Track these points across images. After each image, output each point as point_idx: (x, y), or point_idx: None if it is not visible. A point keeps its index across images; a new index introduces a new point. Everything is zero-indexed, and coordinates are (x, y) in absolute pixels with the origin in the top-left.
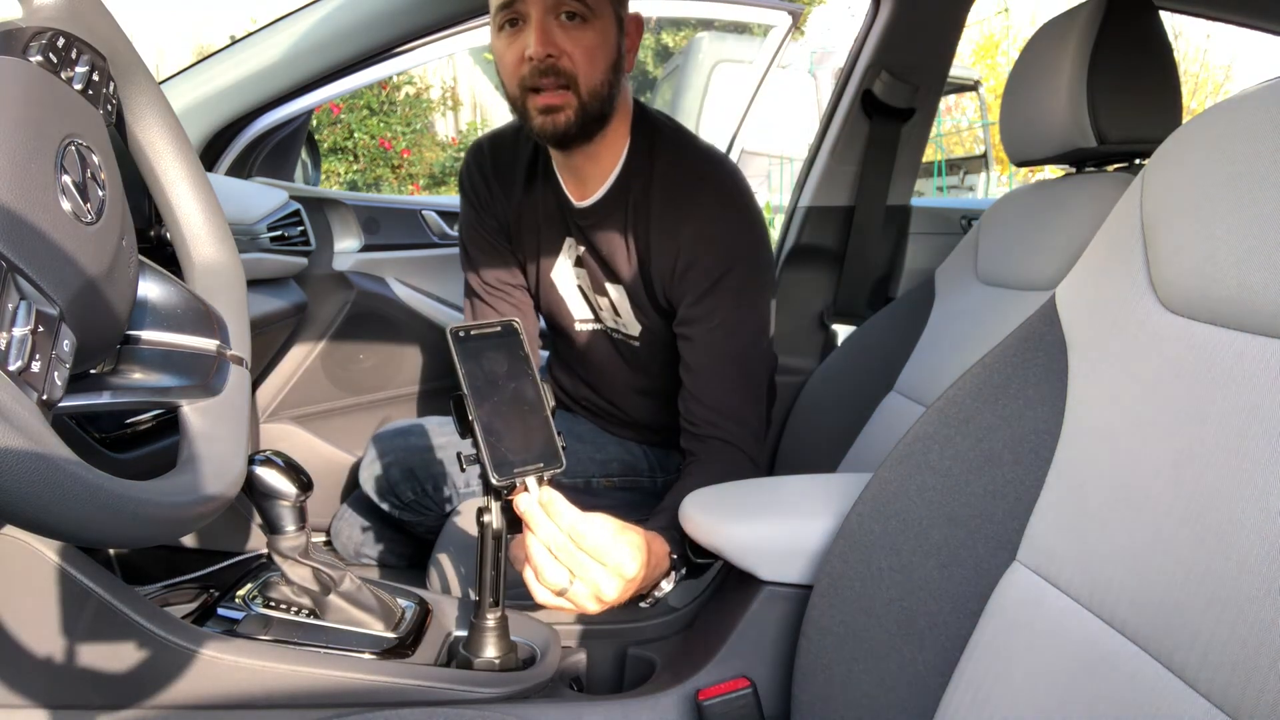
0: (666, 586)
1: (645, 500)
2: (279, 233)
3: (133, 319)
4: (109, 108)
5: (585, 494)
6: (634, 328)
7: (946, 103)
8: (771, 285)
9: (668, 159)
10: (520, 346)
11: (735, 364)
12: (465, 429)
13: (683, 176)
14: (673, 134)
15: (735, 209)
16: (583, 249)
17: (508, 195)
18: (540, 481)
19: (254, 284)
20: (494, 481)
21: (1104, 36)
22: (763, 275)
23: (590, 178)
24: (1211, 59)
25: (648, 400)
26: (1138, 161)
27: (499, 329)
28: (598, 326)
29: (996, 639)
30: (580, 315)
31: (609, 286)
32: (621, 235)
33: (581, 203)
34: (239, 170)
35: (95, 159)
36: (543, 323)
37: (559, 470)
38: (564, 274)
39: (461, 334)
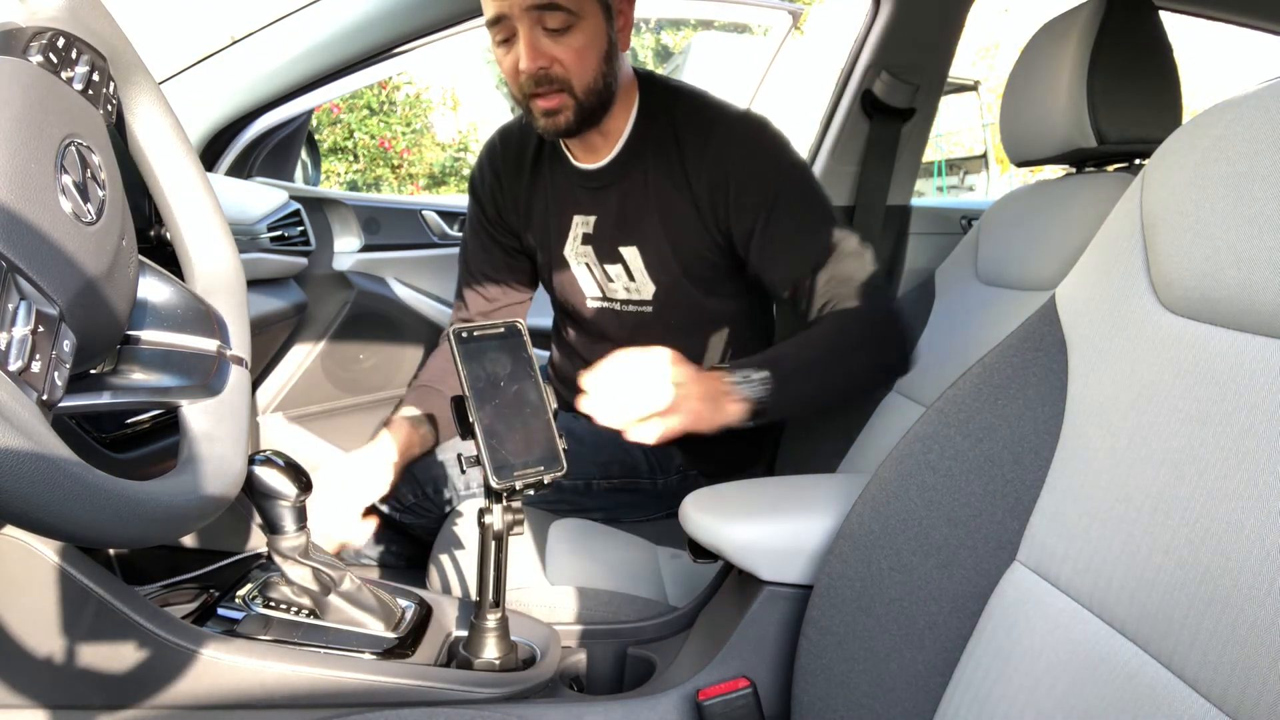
0: (745, 390)
1: (645, 501)
2: (279, 233)
3: (133, 319)
4: (109, 108)
5: (584, 495)
6: (647, 289)
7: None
8: (817, 181)
9: (687, 102)
10: (523, 348)
11: (836, 257)
12: (466, 431)
13: (709, 111)
14: (682, 85)
15: (769, 130)
16: (593, 219)
17: (517, 183)
18: (541, 485)
19: (254, 284)
20: (494, 485)
21: (1104, 36)
22: (809, 172)
23: (600, 145)
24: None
25: None
26: (1138, 161)
27: (502, 330)
28: (606, 304)
29: (996, 639)
30: (591, 293)
31: (623, 251)
32: (643, 187)
33: (593, 166)
34: (239, 170)
35: (95, 159)
36: (536, 319)
37: (560, 473)
38: (573, 252)
39: (464, 335)
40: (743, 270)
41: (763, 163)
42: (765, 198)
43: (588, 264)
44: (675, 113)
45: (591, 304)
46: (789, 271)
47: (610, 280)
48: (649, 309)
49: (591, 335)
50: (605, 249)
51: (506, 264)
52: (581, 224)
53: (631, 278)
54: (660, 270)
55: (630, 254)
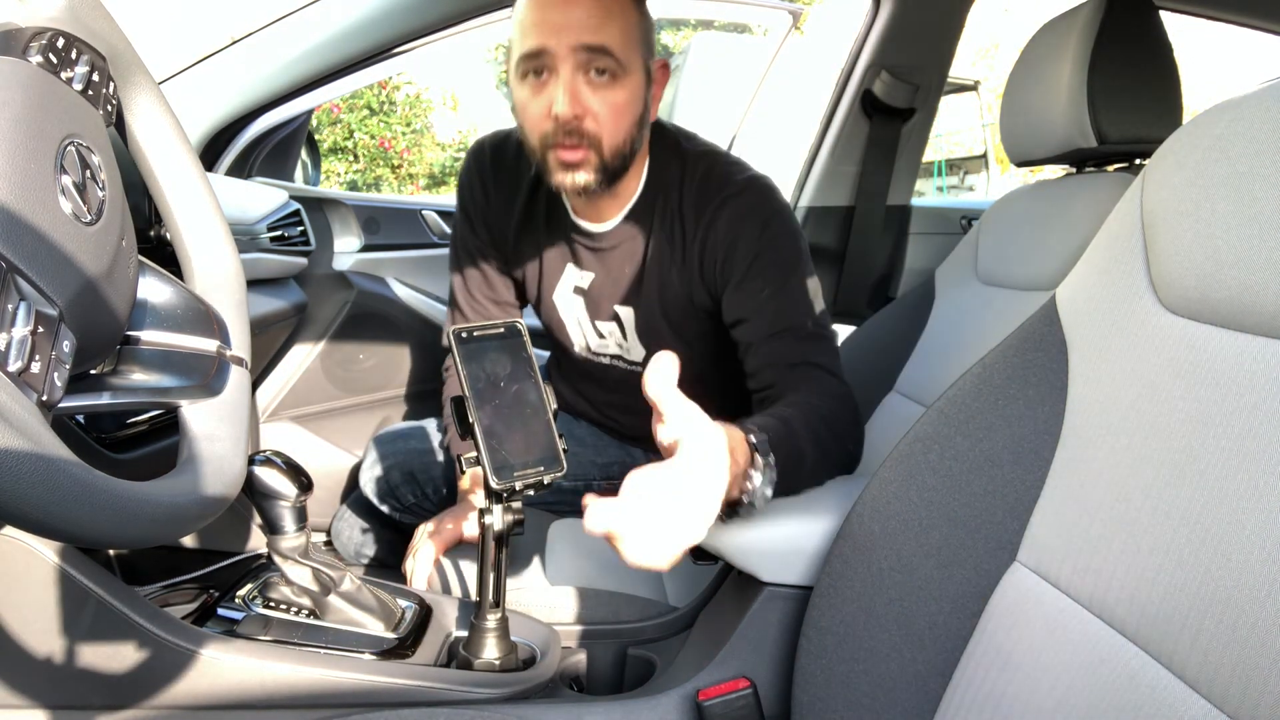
0: (756, 477)
1: None
2: (279, 233)
3: (133, 319)
4: (109, 108)
5: (585, 495)
6: (637, 351)
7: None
8: (810, 260)
9: (695, 170)
10: (523, 348)
11: (795, 333)
12: (466, 431)
13: (715, 181)
14: (688, 140)
15: (769, 200)
16: (589, 276)
17: (508, 207)
18: (541, 486)
19: (254, 284)
20: (494, 485)
21: (1104, 36)
22: (801, 244)
23: (607, 207)
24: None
25: (648, 418)
26: (1138, 161)
27: (502, 330)
28: (597, 354)
29: (996, 639)
30: (579, 343)
31: (619, 310)
32: (643, 253)
33: (597, 226)
34: (239, 170)
35: (95, 159)
36: (534, 319)
37: (560, 474)
38: (564, 300)
39: (464, 335)
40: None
41: (756, 226)
42: (747, 257)
43: (578, 318)
44: (683, 183)
45: (578, 351)
46: (745, 334)
47: (601, 337)
48: (638, 369)
49: (578, 372)
50: (600, 308)
51: (501, 281)
52: (576, 276)
53: (625, 337)
54: (651, 335)
55: (626, 314)
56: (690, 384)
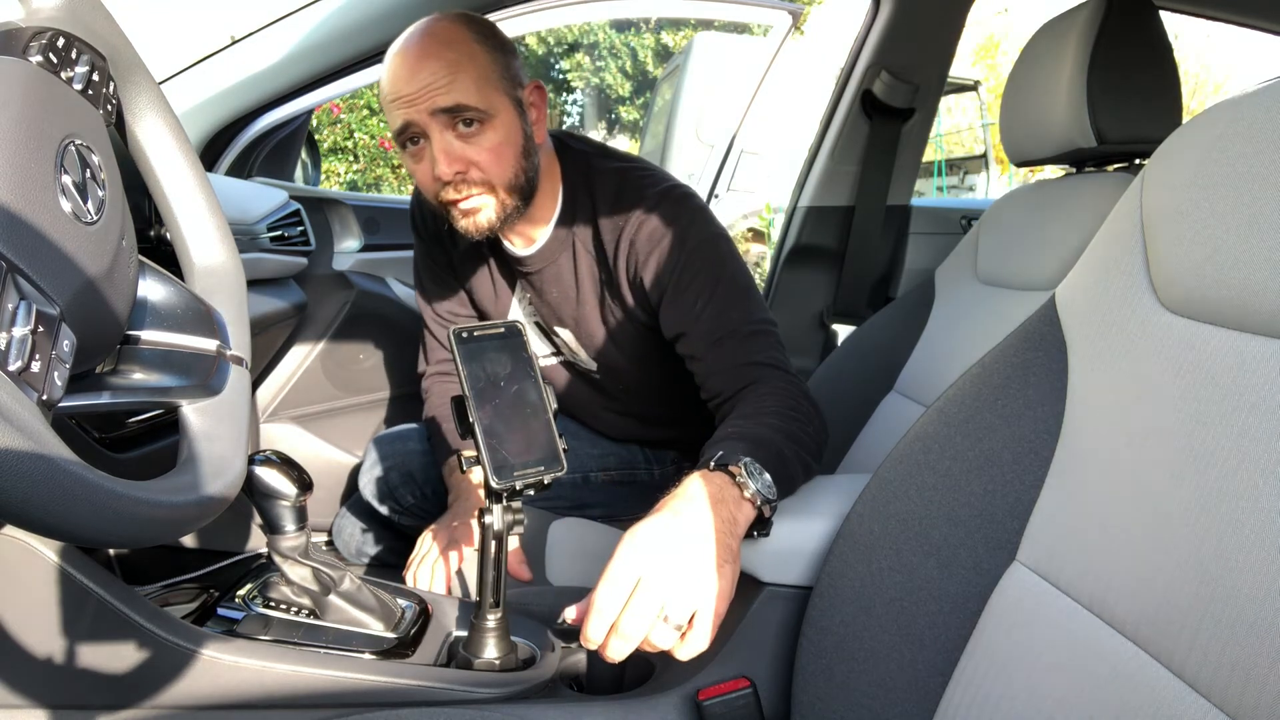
0: (750, 487)
1: (644, 494)
2: (279, 233)
3: (133, 319)
4: (109, 108)
5: (582, 489)
6: (589, 363)
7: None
8: (738, 256)
9: (605, 181)
10: (523, 348)
11: (735, 335)
12: (466, 431)
13: (626, 192)
14: (601, 157)
15: (684, 206)
16: (528, 296)
17: (457, 240)
18: (541, 486)
19: (254, 284)
20: (494, 485)
21: (1104, 36)
22: (723, 246)
23: (528, 231)
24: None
25: (621, 419)
26: (1138, 161)
27: (502, 330)
28: (559, 359)
29: (996, 639)
30: (541, 351)
31: (559, 330)
32: (572, 271)
33: (523, 250)
34: (239, 170)
35: (95, 159)
36: None
37: (560, 474)
38: (518, 314)
39: (464, 335)
40: None
41: (674, 238)
42: (672, 272)
43: (537, 323)
44: (595, 195)
45: (544, 360)
46: (687, 347)
47: (558, 353)
48: (596, 376)
49: (550, 382)
50: (542, 329)
51: (463, 298)
52: (520, 298)
53: (574, 350)
54: (595, 350)
55: (566, 335)
56: (651, 394)
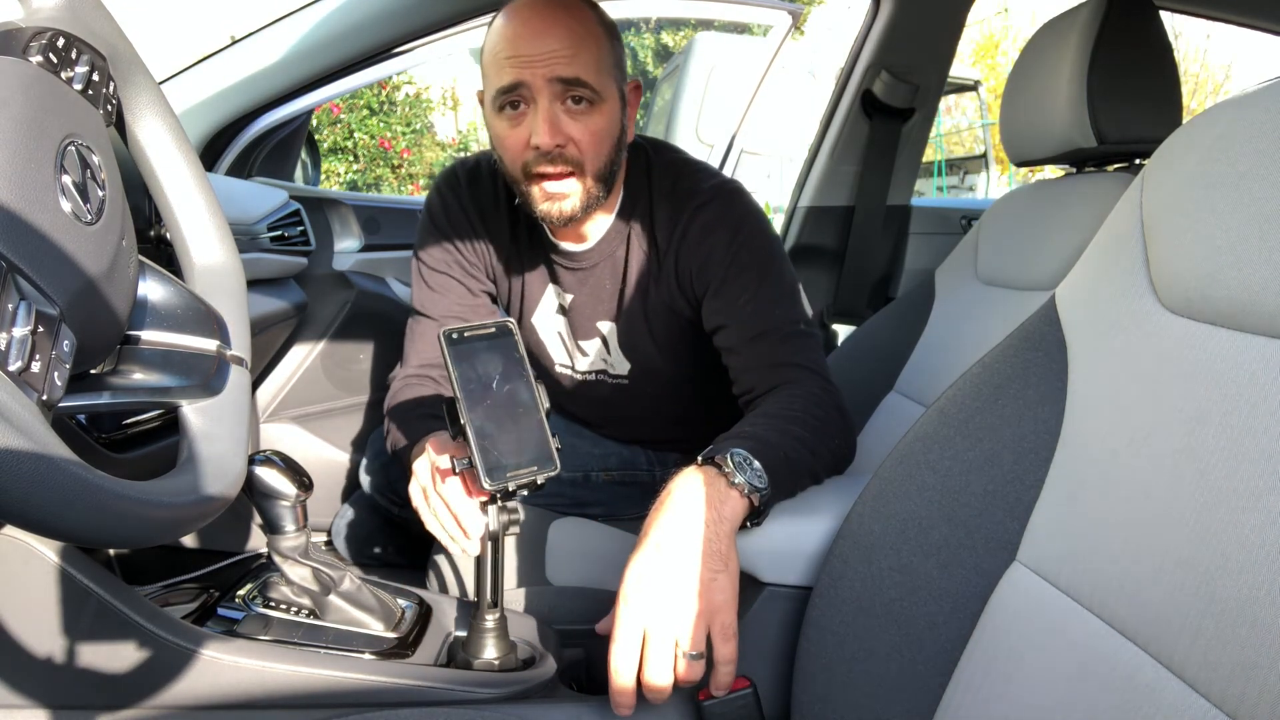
0: (754, 500)
1: (645, 495)
2: (279, 233)
3: (133, 319)
4: (109, 108)
5: (583, 488)
6: (621, 367)
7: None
8: (787, 259)
9: (663, 176)
10: (515, 348)
11: (775, 334)
12: (458, 432)
13: (683, 187)
14: (656, 152)
15: (738, 203)
16: (570, 296)
17: (490, 233)
18: (535, 486)
19: (254, 284)
20: (487, 486)
21: (1104, 36)
22: (774, 244)
23: (586, 226)
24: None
25: (635, 425)
26: (1138, 161)
27: (493, 330)
28: (574, 373)
29: (996, 639)
30: (561, 361)
31: (600, 325)
32: (624, 268)
33: (577, 246)
34: (239, 170)
35: (95, 159)
36: None
37: (553, 473)
38: (545, 320)
39: (455, 335)
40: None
41: (727, 231)
42: (722, 263)
43: (560, 334)
44: (652, 189)
45: (560, 369)
46: (725, 340)
47: (584, 355)
48: (624, 382)
49: (562, 391)
50: (582, 327)
51: (475, 304)
52: (557, 296)
53: (608, 352)
54: (635, 350)
55: (608, 329)
56: (674, 393)
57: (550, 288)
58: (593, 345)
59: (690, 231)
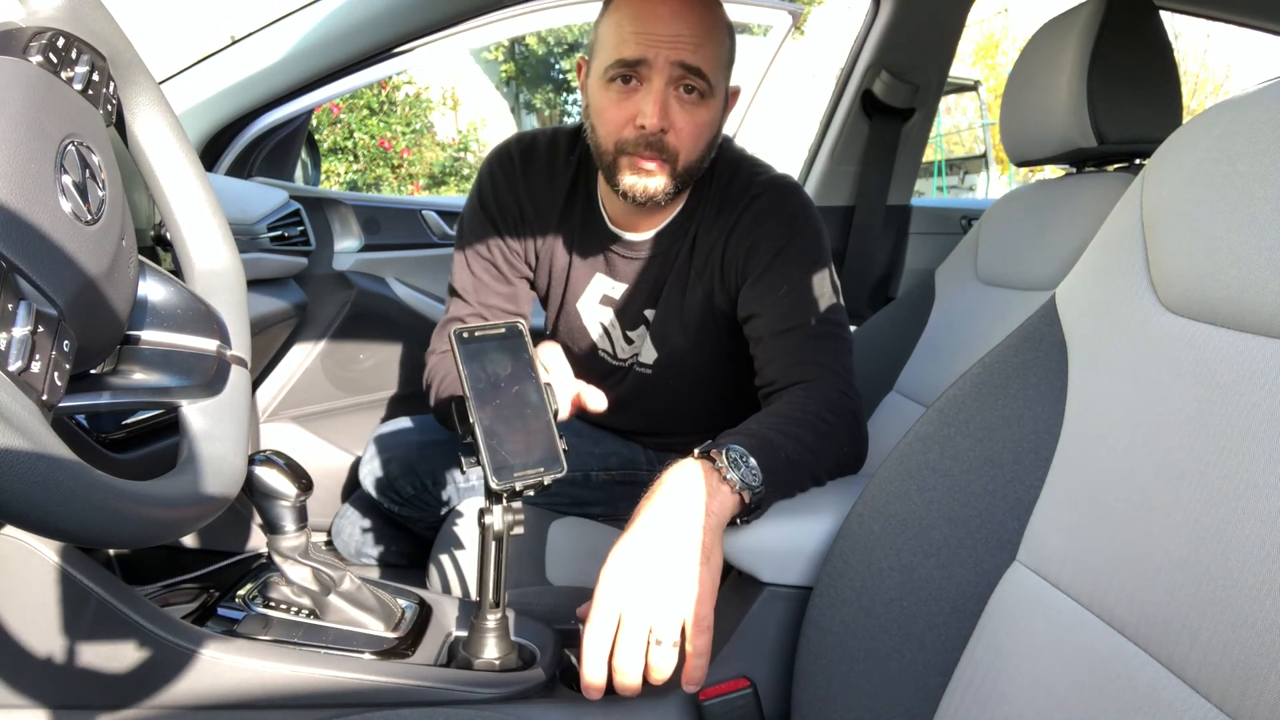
0: (746, 496)
1: (643, 494)
2: (279, 233)
3: (133, 319)
4: (109, 108)
5: (583, 487)
6: (649, 355)
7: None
8: (830, 257)
9: (726, 171)
10: (524, 349)
11: (804, 330)
12: (466, 431)
13: (744, 182)
14: (721, 148)
15: (793, 199)
16: (623, 286)
17: (540, 216)
18: (541, 487)
19: (254, 284)
20: (494, 486)
21: (1104, 36)
22: (823, 242)
23: (649, 216)
24: (1211, 59)
25: (651, 418)
26: (1138, 161)
27: (503, 330)
28: (618, 360)
29: (996, 639)
30: (603, 348)
31: (646, 313)
32: (676, 260)
33: (635, 235)
34: (239, 170)
35: (95, 159)
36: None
37: (560, 475)
38: (590, 308)
39: (465, 335)
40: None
41: (778, 222)
42: (768, 253)
43: (604, 325)
44: (714, 182)
45: (601, 354)
46: (755, 329)
47: (629, 343)
48: (648, 372)
49: (586, 374)
50: (630, 316)
51: (514, 293)
52: (606, 285)
53: (649, 340)
54: (665, 339)
55: (652, 314)
56: (692, 389)
57: (599, 276)
58: (639, 334)
59: (742, 220)
